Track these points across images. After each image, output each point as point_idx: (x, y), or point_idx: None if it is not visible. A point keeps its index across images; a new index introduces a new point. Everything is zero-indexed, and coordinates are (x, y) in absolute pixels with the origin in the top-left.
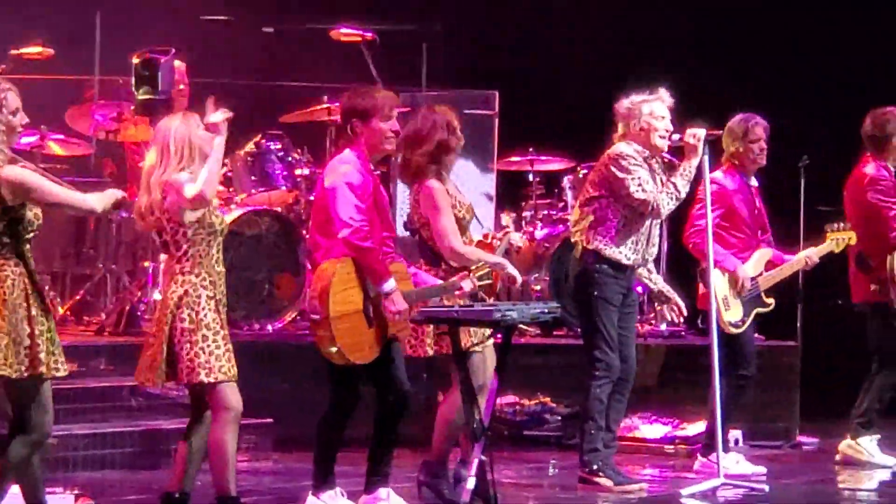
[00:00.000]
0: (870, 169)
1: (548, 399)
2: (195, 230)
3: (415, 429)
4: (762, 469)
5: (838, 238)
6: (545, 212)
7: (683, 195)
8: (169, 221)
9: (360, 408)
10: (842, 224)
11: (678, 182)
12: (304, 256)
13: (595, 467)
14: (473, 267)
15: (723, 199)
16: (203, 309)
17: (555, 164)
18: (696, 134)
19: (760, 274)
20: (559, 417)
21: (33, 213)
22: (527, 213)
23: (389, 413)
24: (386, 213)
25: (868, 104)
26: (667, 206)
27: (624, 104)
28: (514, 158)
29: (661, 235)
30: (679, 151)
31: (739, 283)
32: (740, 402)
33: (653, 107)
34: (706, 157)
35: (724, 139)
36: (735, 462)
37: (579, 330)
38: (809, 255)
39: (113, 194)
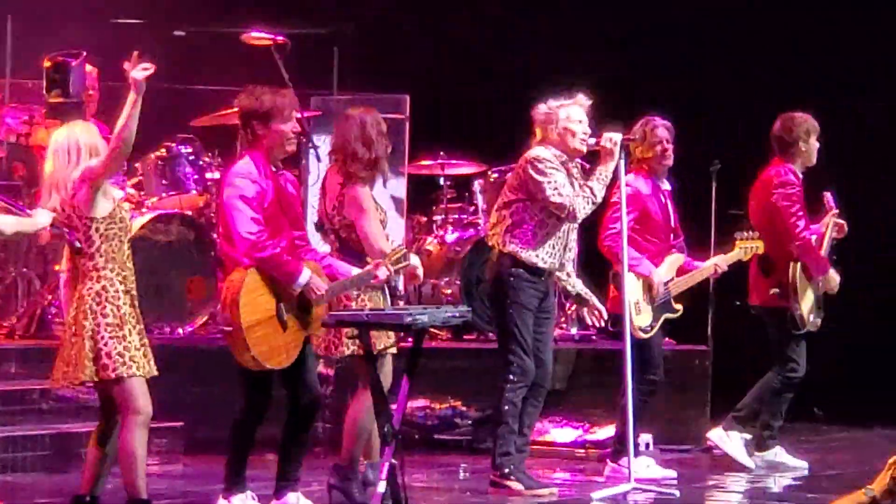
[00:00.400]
0: (776, 172)
1: (458, 403)
2: (107, 225)
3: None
4: (672, 473)
5: (747, 247)
6: (456, 216)
7: (599, 199)
8: (80, 218)
9: (271, 410)
10: (750, 232)
11: (594, 186)
12: (215, 261)
13: (507, 471)
14: (391, 254)
15: (637, 202)
16: (123, 304)
17: (465, 168)
18: (613, 138)
19: (672, 279)
20: (470, 421)
21: None
22: (437, 217)
23: (301, 416)
24: (294, 211)
25: (781, 107)
26: (583, 209)
27: (541, 109)
28: (424, 162)
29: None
30: (595, 155)
31: (654, 288)
32: (648, 407)
33: (570, 111)
34: (622, 161)
35: (629, 144)
36: (645, 466)
37: (494, 334)
38: (718, 262)
39: (28, 224)
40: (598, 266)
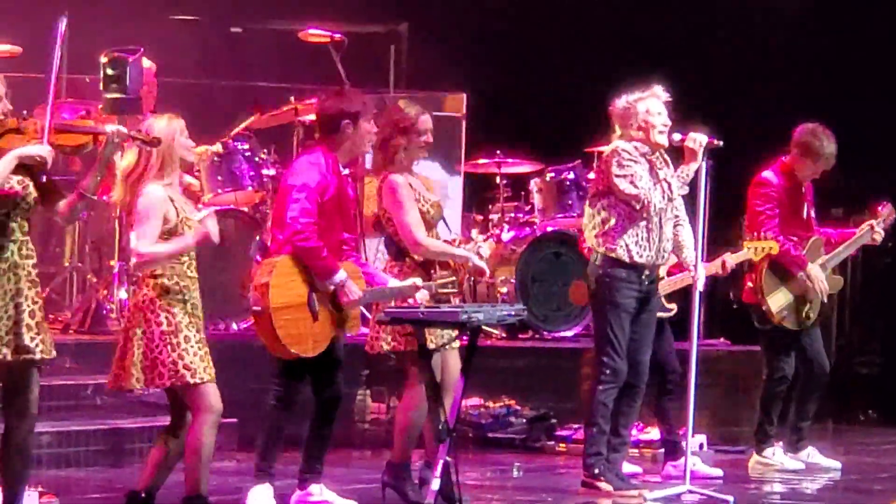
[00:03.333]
0: (767, 173)
1: (513, 402)
2: (167, 237)
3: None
4: (719, 472)
5: (756, 247)
6: (512, 214)
7: (677, 195)
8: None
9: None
10: (764, 234)
11: (673, 182)
12: (256, 251)
13: (597, 471)
14: (437, 276)
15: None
16: (178, 311)
17: (522, 167)
18: (698, 139)
19: (661, 278)
20: (524, 420)
21: None
22: (494, 216)
23: (323, 411)
24: (348, 214)
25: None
26: (659, 202)
27: (619, 104)
28: (481, 161)
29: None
30: (679, 152)
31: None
32: (670, 404)
33: (648, 104)
34: (704, 164)
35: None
36: (692, 465)
37: (549, 332)
38: (726, 259)
39: (13, 159)
40: None
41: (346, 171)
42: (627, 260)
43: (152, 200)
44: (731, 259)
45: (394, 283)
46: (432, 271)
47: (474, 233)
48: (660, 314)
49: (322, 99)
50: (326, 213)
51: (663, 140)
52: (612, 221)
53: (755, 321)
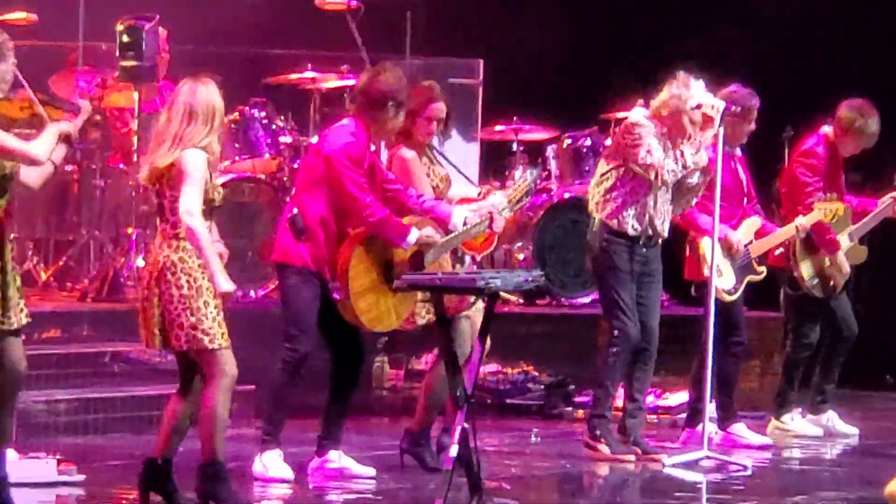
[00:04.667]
0: (814, 143)
1: (531, 368)
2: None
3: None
4: (767, 440)
5: (826, 208)
6: None
7: (691, 163)
8: (171, 190)
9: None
10: (830, 195)
11: (686, 150)
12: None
13: (597, 433)
14: (513, 186)
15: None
16: (200, 276)
17: (539, 134)
18: (716, 105)
19: (751, 242)
20: (542, 386)
21: None
22: (510, 183)
23: (348, 376)
24: (378, 188)
25: (851, 77)
26: (671, 172)
27: (674, 87)
28: (498, 128)
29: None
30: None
31: (734, 248)
32: (736, 370)
33: (695, 101)
34: (721, 130)
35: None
36: (714, 432)
37: (567, 299)
38: (800, 223)
39: (54, 133)
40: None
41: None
42: (624, 231)
43: (199, 164)
44: (805, 221)
45: (471, 218)
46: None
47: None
48: (750, 276)
49: (373, 72)
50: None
51: (704, 140)
52: (615, 193)
53: (785, 286)
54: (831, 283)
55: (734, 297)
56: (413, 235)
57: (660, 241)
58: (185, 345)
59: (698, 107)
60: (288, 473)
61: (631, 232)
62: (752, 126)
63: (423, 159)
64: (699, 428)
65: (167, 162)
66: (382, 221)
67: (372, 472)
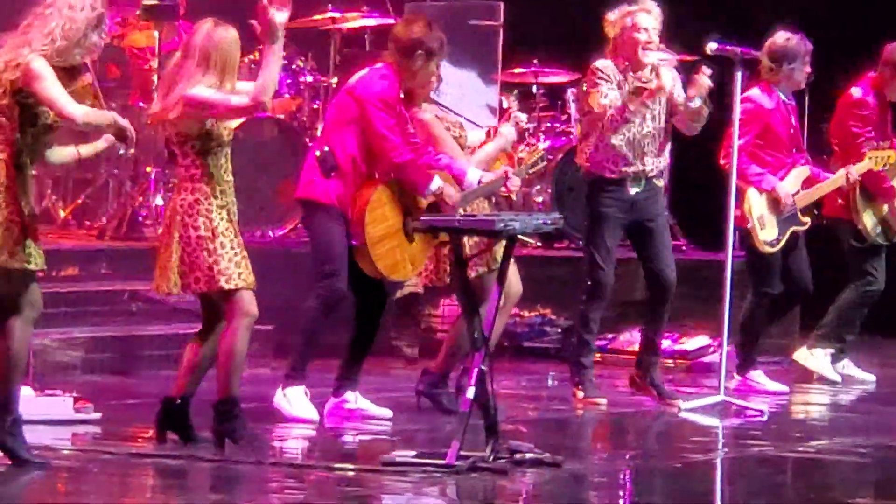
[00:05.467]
0: (861, 92)
1: (548, 311)
2: (203, 142)
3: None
4: (783, 387)
5: (877, 156)
6: (548, 124)
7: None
8: (177, 134)
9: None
10: (881, 143)
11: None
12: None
13: (575, 379)
14: (526, 159)
15: (759, 117)
16: (216, 217)
17: (559, 77)
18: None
19: (798, 192)
20: (559, 330)
21: (42, 111)
22: (530, 125)
23: (370, 316)
24: (407, 133)
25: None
26: (633, 112)
27: (609, 16)
28: (517, 70)
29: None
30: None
31: (782, 201)
32: (764, 320)
33: (637, 19)
34: (739, 75)
35: (764, 59)
36: (759, 381)
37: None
38: (850, 171)
39: (110, 117)
40: (688, 179)
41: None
42: (600, 174)
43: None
44: (854, 170)
45: (486, 176)
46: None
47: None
48: (795, 227)
49: (406, 20)
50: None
51: (647, 59)
52: (591, 137)
53: (850, 239)
54: (892, 229)
55: (775, 249)
56: (435, 183)
57: (654, 181)
58: (203, 286)
59: (670, 60)
60: (313, 413)
61: (608, 175)
62: (808, 69)
63: (434, 109)
64: (750, 374)
65: (175, 114)
66: (408, 164)
67: (388, 413)
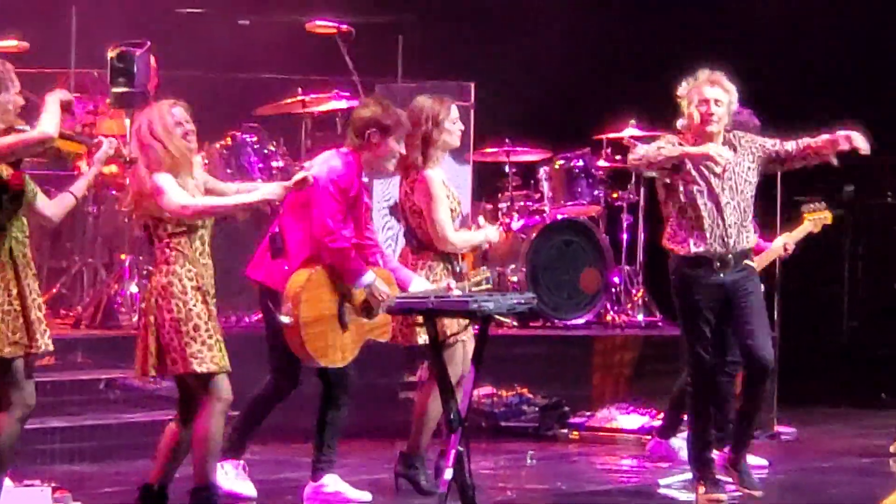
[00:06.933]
0: None
1: (525, 390)
2: (176, 224)
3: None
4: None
5: (815, 218)
6: (521, 203)
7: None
8: (152, 216)
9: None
10: (817, 204)
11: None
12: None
13: (696, 476)
14: (473, 274)
15: None
16: (191, 299)
17: (531, 155)
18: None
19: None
20: (536, 408)
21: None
22: (503, 205)
23: (334, 404)
24: (364, 218)
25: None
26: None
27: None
28: (489, 150)
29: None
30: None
31: None
32: (730, 388)
33: (692, 93)
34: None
35: None
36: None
37: (561, 321)
38: (787, 241)
39: (55, 103)
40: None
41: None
42: (686, 254)
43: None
44: (790, 238)
45: (418, 281)
46: (455, 262)
47: (481, 220)
48: None
49: (361, 102)
50: (350, 216)
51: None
52: (671, 217)
53: None
54: None
55: None
56: (368, 277)
57: (743, 261)
58: (179, 369)
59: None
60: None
61: (691, 253)
62: None
63: (443, 174)
64: (671, 441)
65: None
66: (342, 251)
67: (367, 496)
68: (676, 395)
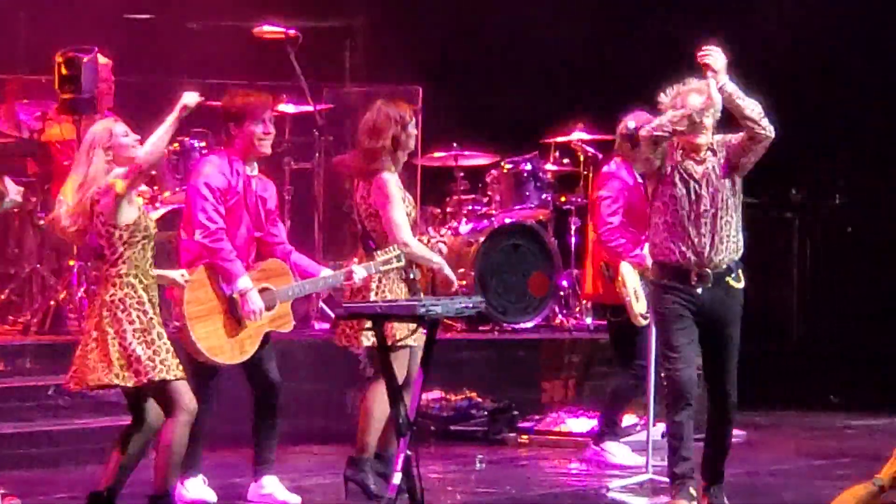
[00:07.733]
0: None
1: (474, 394)
2: (131, 232)
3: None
4: (642, 460)
5: None
6: (469, 207)
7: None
8: (104, 225)
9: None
10: None
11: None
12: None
13: (672, 493)
14: (380, 254)
15: (624, 194)
16: (149, 310)
17: (479, 160)
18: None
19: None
20: (485, 412)
21: None
22: (451, 209)
23: (262, 405)
24: (256, 213)
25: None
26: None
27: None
28: (437, 154)
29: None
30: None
31: (647, 275)
32: (635, 391)
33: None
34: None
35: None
36: (620, 451)
37: (509, 324)
38: None
39: None
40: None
41: (255, 172)
42: (663, 262)
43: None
44: None
45: (326, 272)
46: (409, 267)
47: (430, 230)
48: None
49: (228, 93)
50: (232, 214)
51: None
52: (655, 225)
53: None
54: None
55: (647, 322)
56: (242, 284)
57: (724, 278)
58: (144, 378)
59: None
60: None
61: (669, 261)
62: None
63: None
64: (606, 444)
65: (87, 205)
66: (216, 251)
67: (297, 499)
68: (611, 398)
